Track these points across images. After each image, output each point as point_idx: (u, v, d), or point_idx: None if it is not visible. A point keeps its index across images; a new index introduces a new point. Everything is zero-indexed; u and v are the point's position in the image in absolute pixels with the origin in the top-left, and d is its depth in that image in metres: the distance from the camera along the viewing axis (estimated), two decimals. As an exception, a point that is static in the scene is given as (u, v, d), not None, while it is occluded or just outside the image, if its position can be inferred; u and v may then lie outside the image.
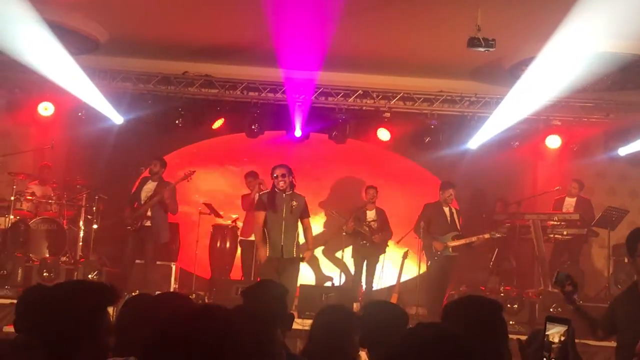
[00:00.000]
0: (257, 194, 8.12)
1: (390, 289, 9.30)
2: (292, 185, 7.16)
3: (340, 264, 9.68)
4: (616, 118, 10.03)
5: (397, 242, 9.16)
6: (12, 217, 9.00)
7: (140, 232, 8.31)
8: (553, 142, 10.18)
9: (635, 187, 10.57)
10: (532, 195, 10.23)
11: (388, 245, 9.11)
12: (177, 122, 10.00)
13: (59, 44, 8.35)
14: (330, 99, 10.19)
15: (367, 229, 8.93)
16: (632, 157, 10.04)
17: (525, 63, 8.51)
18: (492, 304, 2.64)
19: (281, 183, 7.04)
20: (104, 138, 10.02)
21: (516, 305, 8.20)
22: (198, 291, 9.13)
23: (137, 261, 8.43)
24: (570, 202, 9.57)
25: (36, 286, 3.62)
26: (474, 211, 10.13)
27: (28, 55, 8.57)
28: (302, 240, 7.31)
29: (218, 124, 10.40)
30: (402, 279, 9.20)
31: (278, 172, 7.08)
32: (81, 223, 9.41)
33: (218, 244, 9.59)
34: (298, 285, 7.71)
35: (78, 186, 9.79)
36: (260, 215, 7.21)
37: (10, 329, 5.65)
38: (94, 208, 9.40)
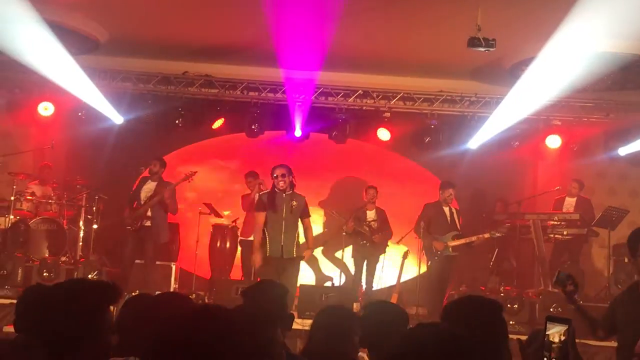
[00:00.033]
0: (257, 194, 8.12)
1: (390, 289, 9.30)
2: (292, 185, 7.16)
3: (340, 264, 9.69)
4: (616, 118, 10.04)
5: (397, 242, 9.16)
6: (12, 217, 8.99)
7: (140, 232, 8.30)
8: (553, 142, 10.18)
9: (636, 187, 10.57)
10: (532, 195, 10.23)
11: (388, 245, 9.12)
12: (177, 122, 10.00)
13: (59, 44, 8.35)
14: (330, 98, 10.20)
15: (367, 228, 8.93)
16: (632, 157, 10.04)
17: (525, 63, 8.51)
18: (492, 304, 2.64)
19: (281, 183, 7.04)
20: (104, 138, 10.02)
21: (516, 305, 8.20)
22: (198, 291, 9.13)
23: (137, 261, 8.42)
24: (570, 202, 9.57)
25: (36, 286, 3.61)
26: (474, 211, 10.12)
27: (28, 55, 8.57)
28: (302, 240, 7.31)
29: (218, 123, 10.40)
30: (402, 279, 9.20)
31: (278, 172, 7.07)
32: (81, 223, 9.41)
33: (218, 244, 9.59)
34: (298, 285, 7.71)
35: (78, 186, 9.79)
36: (261, 216, 7.21)
37: (10, 329, 5.64)
38: (94, 208, 9.40)
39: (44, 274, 8.31)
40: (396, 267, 9.19)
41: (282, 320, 3.34)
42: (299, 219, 7.24)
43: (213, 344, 1.55)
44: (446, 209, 8.69)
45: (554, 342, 2.09)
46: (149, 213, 8.31)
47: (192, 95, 10.14)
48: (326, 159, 10.76)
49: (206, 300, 8.63)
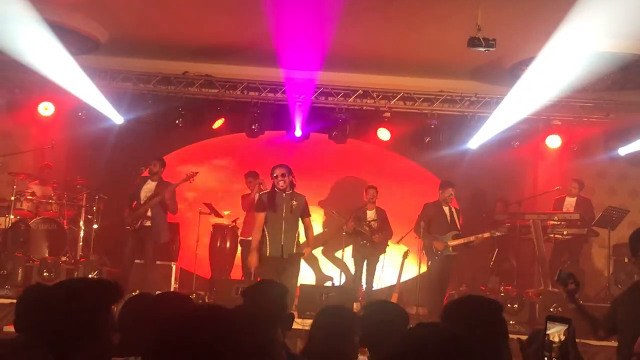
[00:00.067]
0: (257, 194, 8.12)
1: (390, 288, 9.30)
2: (292, 185, 7.16)
3: (340, 263, 9.69)
4: (616, 118, 10.03)
5: (398, 242, 9.16)
6: (12, 217, 8.99)
7: (140, 232, 8.30)
8: (553, 142, 10.18)
9: (636, 187, 10.57)
10: (533, 195, 10.23)
11: (388, 245, 9.12)
12: (177, 122, 10.00)
13: (60, 44, 8.35)
14: (330, 98, 10.20)
15: (368, 228, 8.93)
16: (632, 156, 10.05)
17: (525, 63, 8.51)
18: (492, 303, 2.64)
19: (281, 183, 7.05)
20: (104, 138, 10.02)
21: (516, 305, 8.19)
22: (198, 291, 9.13)
23: (137, 261, 8.42)
24: (570, 202, 9.57)
25: (36, 285, 3.60)
26: (474, 211, 10.13)
27: (28, 55, 8.56)
28: (302, 239, 7.31)
29: (218, 123, 10.40)
30: (403, 279, 9.20)
31: (278, 172, 7.08)
32: (81, 223, 9.41)
33: (218, 244, 9.59)
34: (298, 285, 7.71)
35: (78, 186, 9.79)
36: (260, 216, 7.21)
37: (10, 328, 5.64)
38: (94, 208, 9.40)
39: (44, 274, 8.30)
40: (396, 267, 9.19)
41: (282, 320, 3.34)
42: (300, 219, 7.24)
43: (213, 344, 1.55)
44: (446, 209, 8.69)
45: (554, 342, 2.09)
46: (149, 213, 8.31)
47: (193, 95, 10.14)
48: (326, 159, 10.76)
49: (206, 300, 8.63)
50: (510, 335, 2.63)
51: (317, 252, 10.42)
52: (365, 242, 8.93)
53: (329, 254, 10.30)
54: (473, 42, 6.76)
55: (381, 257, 9.06)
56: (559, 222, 9.17)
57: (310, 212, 7.48)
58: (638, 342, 3.00)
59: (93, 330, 2.26)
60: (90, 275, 8.31)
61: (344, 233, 9.05)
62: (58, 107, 9.95)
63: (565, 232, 9.19)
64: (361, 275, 9.00)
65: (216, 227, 9.68)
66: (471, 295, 2.81)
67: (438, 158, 10.26)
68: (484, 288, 8.98)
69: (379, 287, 9.16)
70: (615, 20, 6.68)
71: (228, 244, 9.59)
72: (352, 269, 9.27)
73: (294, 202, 7.10)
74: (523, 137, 10.18)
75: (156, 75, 10.01)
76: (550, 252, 9.44)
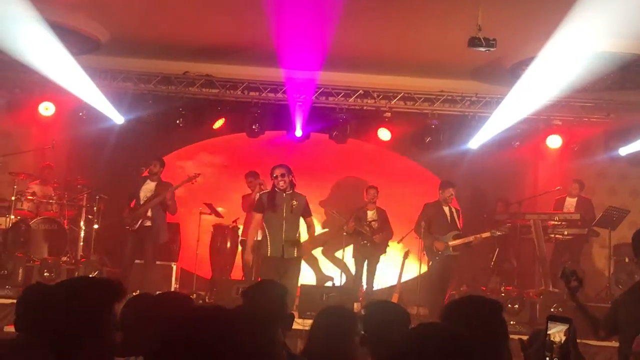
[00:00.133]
0: (258, 194, 8.12)
1: (391, 288, 9.30)
2: (292, 185, 7.17)
3: (340, 264, 9.68)
4: (616, 118, 10.03)
5: (398, 242, 9.15)
6: (12, 217, 8.99)
7: (140, 232, 8.29)
8: (554, 141, 10.18)
9: (636, 187, 10.57)
10: (533, 195, 10.23)
11: (389, 245, 9.11)
12: (177, 122, 10.00)
13: (60, 44, 8.35)
14: (330, 98, 10.20)
15: (368, 228, 8.93)
16: (632, 156, 10.05)
17: (525, 63, 8.51)
18: (492, 304, 2.64)
19: (281, 183, 7.05)
20: (105, 138, 10.02)
21: (517, 305, 8.19)
22: (199, 291, 9.12)
23: (137, 261, 8.42)
24: (571, 202, 9.57)
25: (36, 285, 3.60)
26: (474, 211, 10.13)
27: (29, 55, 8.56)
28: (303, 239, 7.32)
29: (219, 123, 10.40)
30: (403, 279, 9.20)
31: (277, 172, 7.09)
32: (82, 223, 9.41)
33: (219, 244, 9.59)
34: (299, 285, 7.72)
35: (79, 186, 9.79)
36: (258, 216, 7.22)
37: (11, 328, 5.63)
38: (95, 208, 9.41)
39: (45, 274, 8.29)
40: (397, 267, 9.19)
41: (282, 320, 3.34)
42: (302, 219, 7.24)
43: (213, 344, 1.55)
44: (446, 209, 8.69)
45: (555, 342, 2.09)
46: (149, 213, 8.31)
47: (193, 95, 10.14)
48: (327, 159, 10.76)
49: (207, 300, 8.63)
50: (511, 336, 2.62)
51: (318, 252, 10.43)
52: (365, 242, 8.93)
53: (329, 254, 10.30)
54: (473, 42, 6.76)
55: (382, 257, 9.06)
56: (559, 222, 9.17)
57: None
58: (636, 342, 3.00)
59: (94, 329, 2.26)
60: (90, 276, 8.31)
61: (345, 233, 9.05)
62: (59, 107, 9.95)
63: (565, 232, 9.19)
64: (362, 276, 9.00)
65: (217, 227, 9.68)
66: (471, 296, 2.81)
67: (438, 158, 10.26)
68: (484, 288, 8.98)
69: (379, 287, 9.16)
70: (615, 20, 6.68)
71: (228, 244, 9.59)
72: (352, 269, 9.27)
73: (294, 202, 7.11)
74: (523, 137, 10.18)
75: (157, 75, 10.02)
76: (551, 252, 9.44)
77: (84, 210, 9.48)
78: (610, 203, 9.64)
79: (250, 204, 8.77)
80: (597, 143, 10.39)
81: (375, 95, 10.22)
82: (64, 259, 8.94)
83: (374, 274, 8.98)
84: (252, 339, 1.63)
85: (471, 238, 8.54)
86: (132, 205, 8.43)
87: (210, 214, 9.58)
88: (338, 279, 9.64)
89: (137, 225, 8.26)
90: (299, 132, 10.17)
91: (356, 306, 7.77)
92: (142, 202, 8.35)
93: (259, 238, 7.45)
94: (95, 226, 9.47)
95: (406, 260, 9.14)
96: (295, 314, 5.99)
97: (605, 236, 9.38)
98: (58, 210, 9.44)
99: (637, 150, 9.89)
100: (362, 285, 8.99)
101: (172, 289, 8.81)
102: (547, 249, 9.29)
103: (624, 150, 10.03)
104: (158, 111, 10.02)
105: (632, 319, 3.88)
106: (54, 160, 9.92)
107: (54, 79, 9.09)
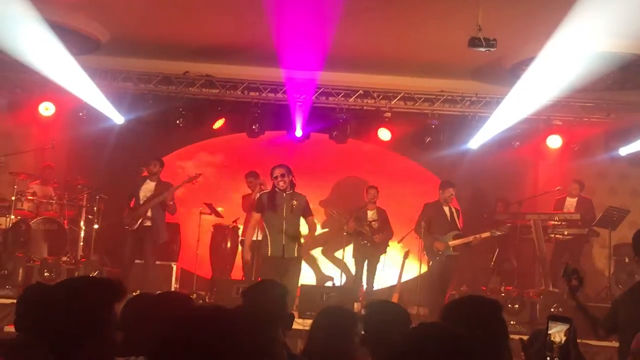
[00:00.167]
0: (258, 194, 8.12)
1: (391, 288, 9.30)
2: (292, 185, 7.17)
3: (340, 264, 9.68)
4: (617, 118, 10.03)
5: (398, 242, 9.16)
6: (13, 217, 8.99)
7: (139, 232, 8.28)
8: (554, 142, 10.18)
9: (636, 187, 10.57)
10: (533, 195, 10.23)
11: (389, 245, 9.11)
12: (178, 122, 10.00)
13: (61, 44, 8.35)
14: (331, 98, 10.20)
15: (368, 228, 8.93)
16: (633, 156, 10.05)
17: (525, 63, 8.51)
18: (492, 304, 2.64)
19: (281, 183, 7.05)
20: (105, 138, 10.02)
21: (517, 305, 8.19)
22: (199, 291, 9.13)
23: (137, 261, 8.42)
24: (571, 202, 9.57)
25: (36, 284, 3.60)
26: (475, 211, 10.13)
27: (29, 55, 8.57)
28: (304, 239, 7.32)
29: (219, 124, 10.40)
30: (403, 279, 9.20)
31: (277, 172, 7.09)
32: (82, 223, 9.41)
33: (219, 244, 9.60)
34: (299, 285, 7.72)
35: (79, 186, 9.79)
36: (256, 216, 7.22)
37: (11, 329, 5.63)
38: (95, 208, 9.41)
39: (45, 274, 8.29)
40: (397, 267, 9.19)
41: (282, 320, 3.34)
42: (302, 218, 7.24)
43: (213, 344, 1.55)
44: (446, 209, 8.69)
45: (555, 342, 2.09)
46: (148, 213, 8.31)
47: (193, 95, 10.14)
48: (327, 159, 10.76)
49: (207, 300, 8.63)
50: (511, 336, 2.62)
51: (318, 252, 10.43)
52: (366, 242, 8.93)
53: (329, 254, 10.30)
54: (474, 42, 6.76)
55: (382, 257, 9.06)
56: (559, 222, 9.17)
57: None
58: (636, 340, 3.00)
59: (94, 329, 2.26)
60: (90, 275, 8.31)
61: (345, 233, 9.04)
62: (59, 107, 9.95)
63: (566, 232, 9.19)
64: (362, 276, 9.00)
65: (217, 227, 9.68)
66: (471, 295, 2.81)
67: (439, 158, 10.26)
68: (484, 288, 8.98)
69: (379, 287, 9.16)
70: (615, 20, 6.68)
71: (229, 244, 9.60)
72: (352, 269, 9.27)
73: (295, 202, 7.11)
74: (524, 137, 10.18)
75: (157, 75, 10.02)
76: (551, 252, 9.44)
77: (84, 210, 9.48)
78: (611, 203, 9.64)
79: (251, 204, 8.78)
80: (597, 143, 10.39)
81: (375, 95, 10.22)
82: (64, 259, 8.94)
83: (374, 274, 8.97)
84: (252, 339, 1.63)
85: (471, 238, 8.54)
86: (131, 205, 8.43)
87: (210, 214, 9.58)
88: (338, 279, 9.64)
89: (136, 225, 8.26)
90: (299, 132, 10.17)
91: (356, 306, 7.78)
92: (141, 202, 8.34)
93: (260, 238, 7.46)
94: (95, 226, 9.47)
95: (406, 260, 9.14)
96: (295, 314, 5.98)
97: (605, 236, 9.38)
98: (58, 210, 9.44)
99: (637, 150, 9.89)
100: (362, 285, 8.99)
101: (172, 289, 8.81)
102: (547, 249, 9.29)
103: (624, 150, 10.03)
104: (158, 111, 10.02)
105: (632, 319, 3.88)
106: (54, 160, 9.93)
107: (54, 79, 9.10)
